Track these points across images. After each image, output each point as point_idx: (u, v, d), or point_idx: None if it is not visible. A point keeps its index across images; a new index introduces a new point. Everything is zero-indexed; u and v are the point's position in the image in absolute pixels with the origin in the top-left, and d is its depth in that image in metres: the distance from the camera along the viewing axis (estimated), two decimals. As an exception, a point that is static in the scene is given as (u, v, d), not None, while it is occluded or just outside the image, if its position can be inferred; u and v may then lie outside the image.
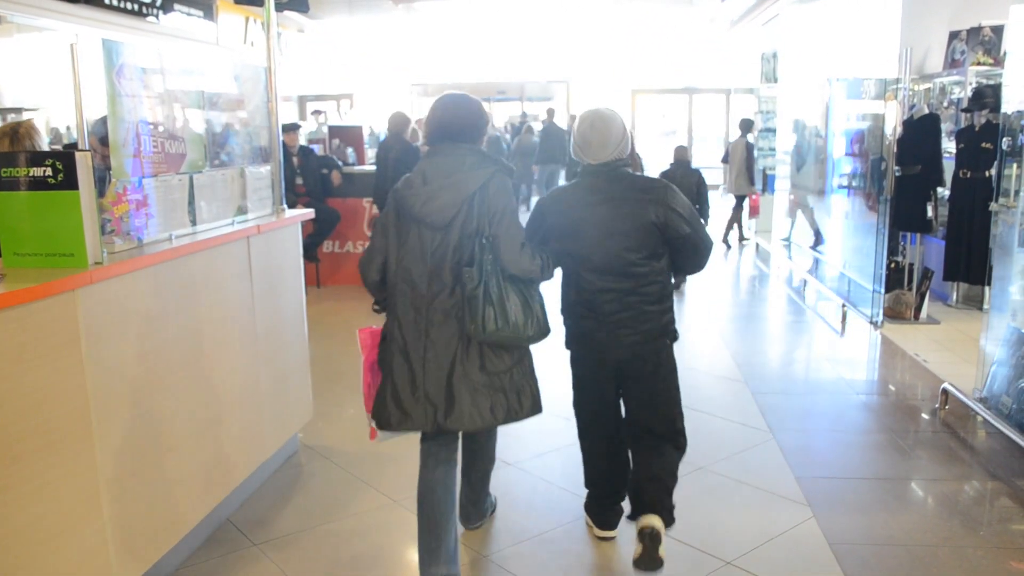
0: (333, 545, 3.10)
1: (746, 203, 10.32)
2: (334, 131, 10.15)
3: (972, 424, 4.23)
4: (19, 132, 3.39)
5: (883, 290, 6.15)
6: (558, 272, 2.87)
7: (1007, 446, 3.90)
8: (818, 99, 7.92)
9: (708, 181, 7.98)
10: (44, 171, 2.36)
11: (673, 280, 2.95)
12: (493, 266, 2.59)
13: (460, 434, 2.89)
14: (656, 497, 2.80)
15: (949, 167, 6.55)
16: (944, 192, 6.66)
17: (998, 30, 6.94)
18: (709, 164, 19.11)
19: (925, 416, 4.39)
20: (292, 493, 3.55)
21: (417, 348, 2.63)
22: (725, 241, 10.37)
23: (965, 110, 6.49)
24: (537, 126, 14.00)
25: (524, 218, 2.84)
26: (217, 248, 3.11)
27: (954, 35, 7.43)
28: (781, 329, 6.59)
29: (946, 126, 7.05)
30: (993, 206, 4.35)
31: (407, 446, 4.01)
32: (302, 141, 8.99)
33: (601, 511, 3.09)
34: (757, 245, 10.19)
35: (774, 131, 10.39)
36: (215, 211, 3.21)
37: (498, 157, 2.74)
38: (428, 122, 2.75)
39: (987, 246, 4.47)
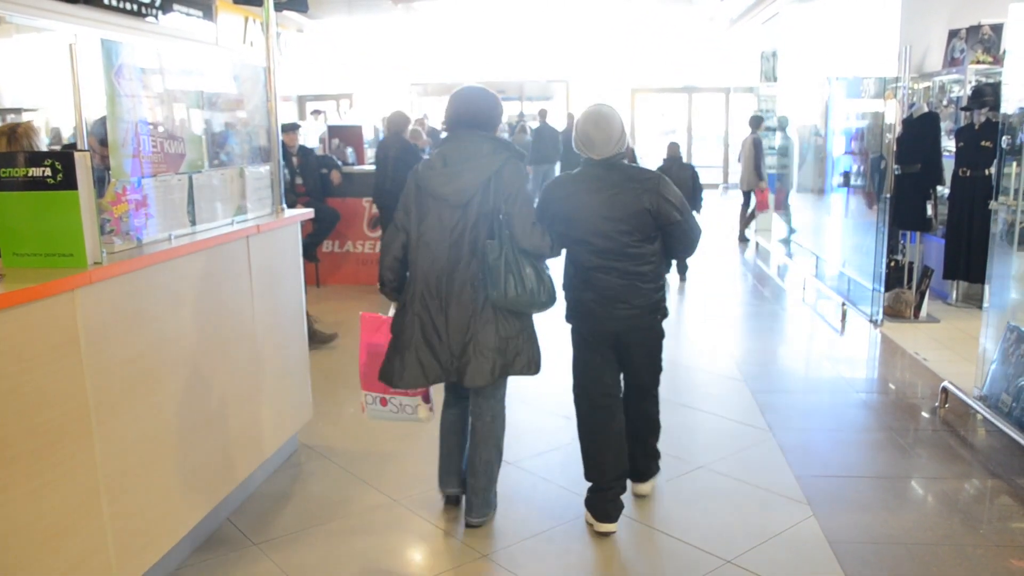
0: (333, 544, 3.10)
1: (753, 199, 10.36)
2: (333, 131, 10.14)
3: (972, 422, 4.23)
4: (17, 132, 3.38)
5: (883, 289, 6.15)
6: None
7: (1007, 444, 3.90)
8: (818, 98, 7.92)
9: (708, 180, 8.03)
10: (43, 171, 2.36)
11: (678, 272, 3.24)
12: (509, 241, 2.89)
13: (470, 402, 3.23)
14: (645, 464, 3.36)
15: (949, 166, 6.55)
16: (944, 191, 6.66)
17: (997, 28, 6.94)
18: (709, 163, 19.21)
19: (925, 414, 4.39)
20: (292, 493, 3.55)
21: (439, 314, 2.96)
22: (742, 238, 10.57)
23: (965, 108, 6.49)
24: (534, 125, 14.00)
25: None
26: (216, 248, 3.11)
27: (953, 33, 7.43)
28: (781, 328, 6.59)
29: (946, 124, 7.05)
30: (993, 204, 4.35)
31: (407, 446, 4.02)
32: (311, 142, 8.99)
33: (602, 503, 3.13)
34: (757, 244, 10.19)
35: (774, 130, 10.38)
36: (214, 211, 3.21)
37: (511, 143, 3.05)
38: (448, 110, 3.04)
39: (987, 244, 4.46)
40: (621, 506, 3.15)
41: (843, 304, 6.46)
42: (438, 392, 3.39)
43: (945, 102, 7.62)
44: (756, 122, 10.34)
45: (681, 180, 7.43)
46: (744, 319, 6.87)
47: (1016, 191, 4.16)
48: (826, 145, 7.61)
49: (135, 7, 8.49)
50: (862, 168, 6.68)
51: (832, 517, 3.23)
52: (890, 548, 3.00)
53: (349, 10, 14.63)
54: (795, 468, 3.68)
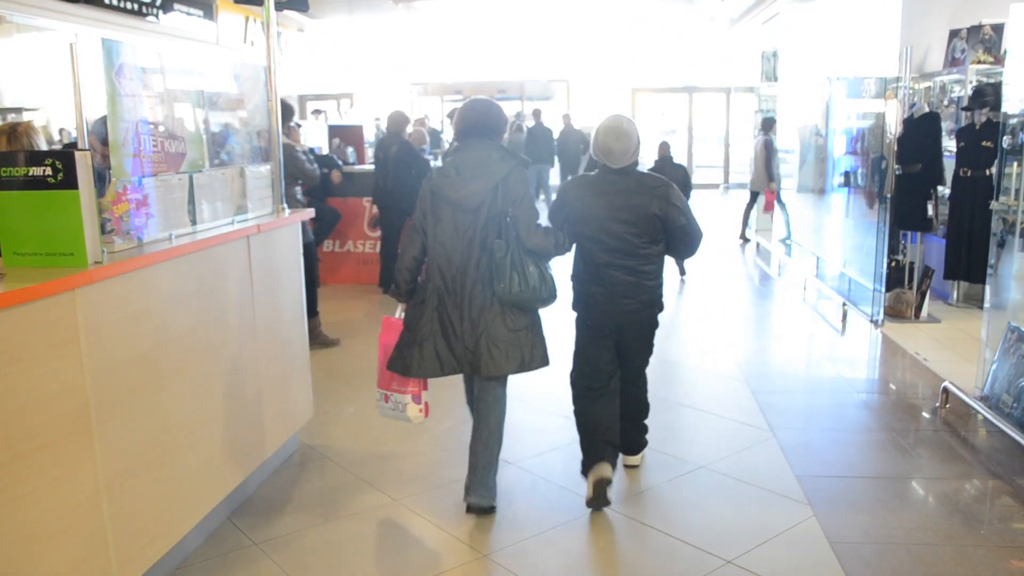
0: (333, 544, 3.10)
1: (761, 198, 10.37)
2: (334, 130, 10.14)
3: (973, 423, 4.23)
4: (17, 131, 3.39)
5: (884, 289, 6.15)
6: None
7: (1008, 444, 3.89)
8: (818, 98, 7.92)
9: (709, 180, 8.02)
10: (44, 170, 2.35)
11: (678, 267, 3.38)
12: (515, 241, 3.15)
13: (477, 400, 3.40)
14: (636, 439, 3.66)
15: (949, 166, 6.54)
16: (944, 191, 6.66)
17: (998, 28, 6.93)
18: (710, 163, 19.21)
19: (926, 415, 4.39)
20: (292, 492, 3.55)
21: (454, 310, 3.19)
22: (743, 237, 10.65)
23: (965, 108, 6.49)
24: (531, 124, 14.01)
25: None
26: (217, 247, 3.11)
27: (954, 33, 7.43)
28: (781, 328, 6.59)
29: (946, 125, 7.05)
30: (993, 204, 4.35)
31: (408, 446, 4.02)
32: (313, 142, 8.98)
33: (598, 460, 3.34)
34: (758, 244, 10.19)
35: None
36: (215, 210, 3.21)
37: (516, 152, 3.30)
38: (458, 121, 3.32)
39: (987, 245, 4.46)
40: (609, 482, 3.31)
41: (844, 304, 6.46)
42: (436, 395, 3.51)
43: (946, 102, 7.61)
44: (768, 124, 10.36)
45: (673, 180, 7.47)
46: (745, 319, 6.87)
47: (1017, 191, 4.16)
48: (827, 145, 7.60)
49: (136, 6, 8.49)
50: (863, 168, 6.67)
51: (833, 517, 3.23)
52: (891, 548, 3.00)
53: (350, 10, 14.63)
54: (796, 468, 3.68)
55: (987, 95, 6.07)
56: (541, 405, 4.47)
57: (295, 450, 3.96)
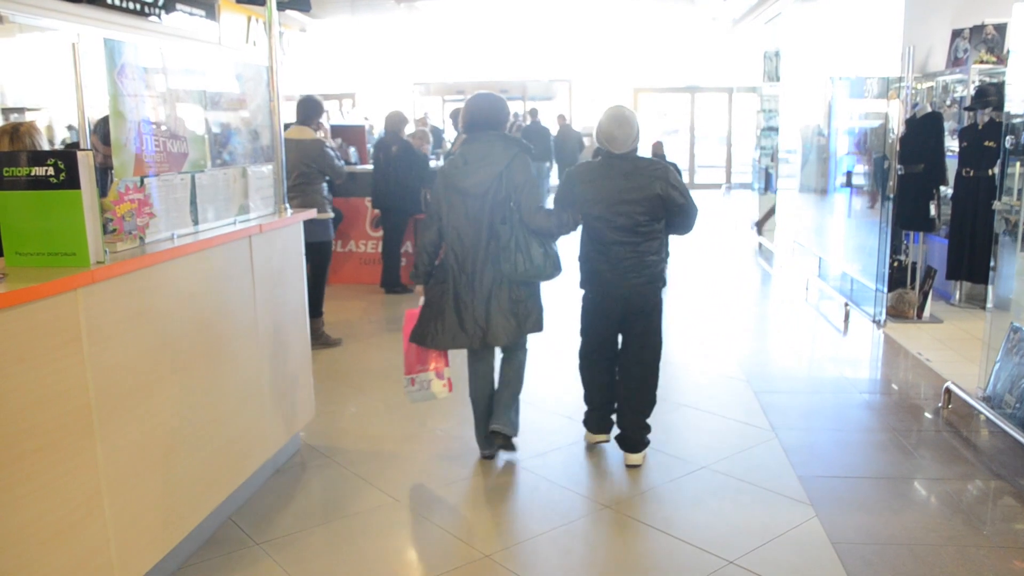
0: (335, 545, 3.10)
1: None
2: (336, 130, 10.13)
3: (975, 423, 4.23)
4: (19, 131, 3.39)
5: (886, 289, 6.14)
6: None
7: (1010, 445, 3.89)
8: (821, 98, 7.91)
9: (710, 180, 8.00)
10: (46, 170, 2.36)
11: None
12: (519, 224, 3.45)
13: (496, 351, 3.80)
14: (638, 437, 3.73)
15: (952, 166, 6.53)
16: (947, 191, 6.65)
17: (1001, 28, 6.92)
18: (712, 163, 19.20)
19: (928, 415, 4.38)
20: (294, 492, 3.55)
21: (466, 288, 3.51)
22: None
23: (968, 108, 6.47)
24: (528, 123, 14.03)
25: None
26: (219, 247, 3.11)
27: (957, 33, 7.41)
28: (783, 328, 6.58)
29: (949, 124, 7.03)
30: (996, 205, 4.34)
31: (410, 446, 4.02)
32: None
33: (596, 420, 3.90)
34: (760, 244, 10.18)
35: (776, 130, 10.37)
36: (217, 210, 3.21)
37: (520, 139, 3.61)
38: (464, 115, 3.62)
39: (990, 245, 4.45)
40: (611, 423, 3.86)
41: (846, 304, 6.45)
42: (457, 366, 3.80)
43: (948, 102, 7.60)
44: None
45: None
46: (747, 319, 6.87)
47: (1020, 191, 4.15)
48: (829, 145, 7.60)
49: (138, 7, 8.50)
50: (865, 168, 6.66)
51: (835, 518, 3.23)
52: (893, 549, 3.00)
53: (352, 10, 14.65)
54: (798, 469, 3.67)
55: (990, 95, 6.05)
56: (542, 405, 4.47)
57: (297, 450, 3.96)
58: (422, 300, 3.66)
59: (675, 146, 18.90)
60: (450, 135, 11.88)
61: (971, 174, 6.18)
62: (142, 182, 2.75)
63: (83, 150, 2.45)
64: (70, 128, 8.24)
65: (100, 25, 7.73)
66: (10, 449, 2.09)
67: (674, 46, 17.79)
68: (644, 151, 3.82)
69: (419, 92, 18.61)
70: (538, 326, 3.62)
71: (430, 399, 3.71)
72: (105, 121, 3.24)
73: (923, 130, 6.35)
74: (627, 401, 3.74)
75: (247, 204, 3.46)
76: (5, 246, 2.44)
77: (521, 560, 2.97)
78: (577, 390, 3.98)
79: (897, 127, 6.11)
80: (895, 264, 6.40)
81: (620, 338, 3.80)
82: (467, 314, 3.51)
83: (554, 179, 14.74)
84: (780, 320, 6.82)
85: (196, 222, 3.06)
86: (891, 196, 6.02)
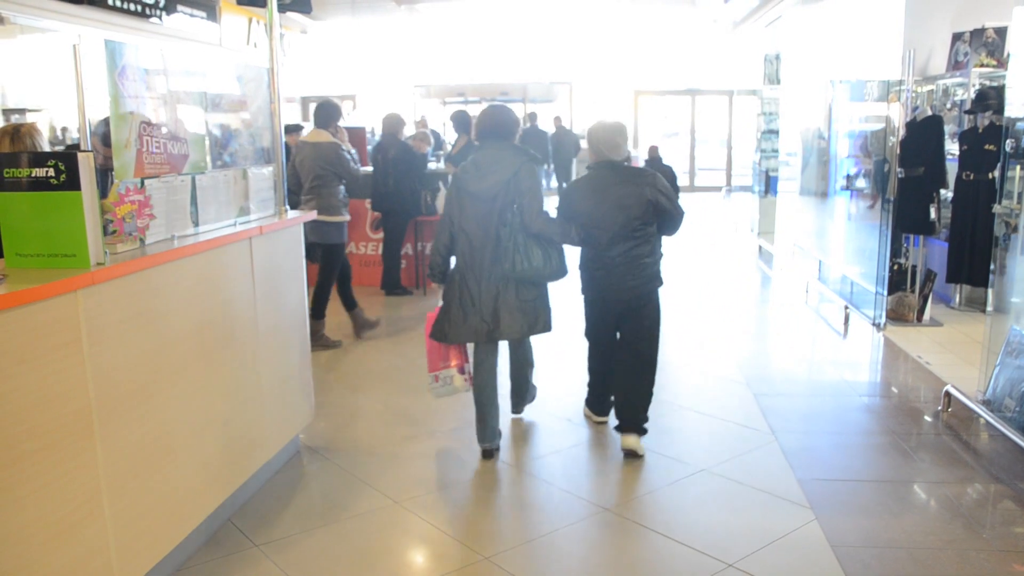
0: (334, 546, 3.10)
1: None
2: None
3: (975, 427, 4.22)
4: (20, 132, 3.39)
5: (886, 292, 6.14)
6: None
7: (1010, 449, 3.89)
8: (821, 101, 7.91)
9: (711, 183, 8.01)
10: (46, 172, 2.36)
11: None
12: (520, 227, 3.67)
13: (504, 344, 4.06)
14: (635, 418, 3.88)
15: (952, 169, 6.53)
16: (947, 194, 6.65)
17: (1001, 32, 6.93)
18: (712, 166, 19.20)
19: (928, 418, 4.38)
20: (293, 494, 3.55)
21: (474, 285, 3.72)
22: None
23: (968, 112, 6.48)
24: (527, 126, 14.06)
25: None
26: (219, 249, 3.11)
27: (957, 36, 7.42)
28: (783, 331, 6.58)
29: (949, 128, 7.03)
30: (996, 208, 4.34)
31: (409, 448, 4.02)
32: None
33: (598, 403, 4.24)
34: (760, 247, 10.18)
35: (776, 133, 10.37)
36: (217, 212, 3.21)
37: (528, 149, 3.82)
38: (478, 124, 3.92)
39: (990, 248, 4.45)
40: (610, 406, 4.10)
41: (846, 307, 6.45)
42: (437, 399, 3.86)
43: (949, 105, 7.60)
44: None
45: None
46: (746, 322, 6.86)
47: (1020, 195, 4.15)
48: (829, 148, 7.60)
49: (139, 8, 8.51)
50: (865, 171, 6.66)
51: (834, 521, 3.22)
52: (892, 552, 3.00)
53: (353, 12, 14.66)
54: (797, 472, 3.67)
55: (990, 98, 6.06)
56: (542, 408, 4.47)
57: (296, 452, 3.96)
58: (441, 296, 3.87)
59: (675, 149, 18.92)
60: (450, 137, 11.87)
61: (971, 177, 6.19)
62: (142, 183, 2.75)
63: (84, 151, 2.45)
64: (64, 130, 8.24)
65: (101, 26, 7.73)
66: (10, 450, 2.09)
67: (675, 49, 17.81)
68: (641, 153, 3.95)
69: (419, 94, 18.61)
70: (547, 327, 3.84)
71: (453, 393, 3.97)
72: (106, 122, 3.24)
73: (923, 133, 6.36)
74: (626, 392, 3.88)
75: (247, 206, 3.46)
76: (5, 247, 2.44)
77: (520, 562, 2.97)
78: (578, 392, 3.98)
79: (898, 130, 6.12)
80: (895, 267, 6.40)
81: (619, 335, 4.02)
82: (474, 310, 3.71)
83: (552, 180, 14.77)
84: (780, 323, 6.82)
85: (196, 224, 3.06)
86: (891, 199, 6.02)
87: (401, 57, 17.89)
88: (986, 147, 6.01)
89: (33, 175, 2.37)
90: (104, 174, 3.09)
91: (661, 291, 3.91)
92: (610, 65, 18.22)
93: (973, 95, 6.59)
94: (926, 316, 6.27)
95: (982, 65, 6.96)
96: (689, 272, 8.69)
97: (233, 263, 3.24)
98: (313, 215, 4.11)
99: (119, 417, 2.50)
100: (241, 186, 3.41)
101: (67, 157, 2.36)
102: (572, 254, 3.86)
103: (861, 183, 6.83)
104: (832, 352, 5.90)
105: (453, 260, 3.87)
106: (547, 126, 14.83)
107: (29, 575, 2.17)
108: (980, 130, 6.15)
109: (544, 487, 3.59)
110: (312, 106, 6.26)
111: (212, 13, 10.04)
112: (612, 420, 4.05)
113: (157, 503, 2.72)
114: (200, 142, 3.12)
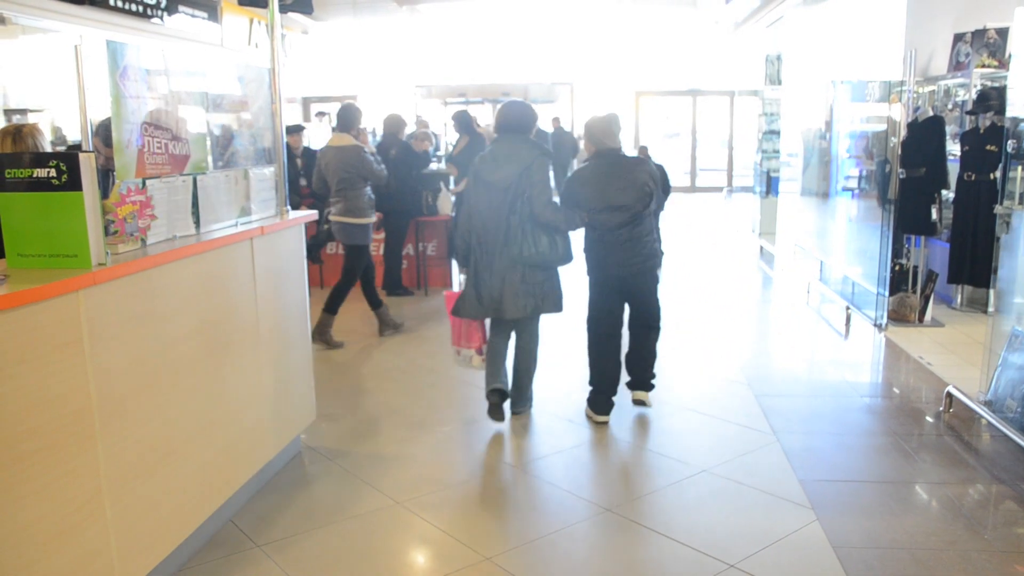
0: (335, 546, 3.10)
1: None
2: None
3: (977, 427, 4.22)
4: (22, 132, 3.39)
5: (887, 293, 6.13)
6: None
7: (1012, 449, 3.88)
8: (822, 102, 7.91)
9: (712, 183, 7.99)
10: (48, 172, 2.36)
11: None
12: (529, 215, 3.98)
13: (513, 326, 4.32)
14: (643, 375, 4.39)
15: (953, 169, 6.53)
16: (949, 195, 6.64)
17: (1003, 32, 6.92)
18: (713, 166, 19.18)
19: (929, 419, 4.37)
20: (294, 494, 3.55)
21: (485, 267, 4.06)
22: None
23: (970, 112, 6.47)
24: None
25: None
26: (221, 249, 3.11)
27: (959, 37, 7.41)
28: (785, 331, 6.57)
29: (951, 128, 7.03)
30: (998, 208, 4.34)
31: (410, 448, 4.02)
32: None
33: (599, 402, 4.30)
34: (761, 247, 10.17)
35: (778, 133, 10.36)
36: (219, 212, 3.21)
37: (541, 144, 4.12)
38: (497, 118, 4.22)
39: (992, 249, 4.45)
40: (612, 404, 4.31)
41: (847, 308, 6.45)
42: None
43: (950, 106, 7.60)
44: None
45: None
46: (748, 322, 6.86)
47: (1021, 195, 4.15)
48: (831, 149, 7.59)
49: (140, 8, 8.51)
50: (867, 172, 6.66)
51: (836, 522, 3.22)
52: (894, 553, 2.99)
53: (354, 12, 14.66)
54: (799, 472, 3.67)
55: (991, 99, 6.06)
56: (544, 408, 4.47)
57: (298, 452, 3.96)
58: (461, 281, 4.29)
59: (677, 149, 18.93)
60: (451, 138, 11.87)
61: (973, 178, 6.18)
62: (144, 184, 2.75)
63: (85, 152, 2.45)
64: (59, 129, 8.24)
65: (102, 27, 7.74)
66: (11, 450, 2.09)
67: (676, 49, 17.80)
68: (632, 154, 4.35)
69: (421, 95, 18.61)
70: (557, 307, 4.14)
71: (470, 368, 4.42)
72: (107, 123, 3.24)
73: (925, 134, 6.35)
74: (636, 351, 4.38)
75: (249, 206, 3.46)
76: (7, 247, 2.44)
77: (522, 563, 2.96)
78: (578, 392, 3.97)
79: (899, 131, 6.11)
80: (896, 268, 6.39)
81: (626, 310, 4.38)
82: (484, 290, 4.07)
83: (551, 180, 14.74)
84: (781, 324, 6.81)
85: (198, 224, 3.06)
86: (893, 200, 6.01)
87: (402, 58, 17.90)
88: (987, 148, 6.01)
89: (35, 175, 2.37)
90: (105, 174, 3.10)
91: (661, 291, 4.24)
92: (611, 66, 18.21)
93: (974, 96, 6.58)
94: (927, 317, 6.27)
95: (983, 66, 6.95)
96: (690, 273, 8.69)
97: (234, 263, 3.24)
98: (313, 215, 4.11)
99: (120, 417, 2.50)
100: (242, 186, 3.41)
101: (68, 157, 2.36)
102: (577, 240, 4.12)
103: (862, 184, 6.81)
104: (833, 353, 5.89)
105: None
106: (547, 126, 14.83)
107: (30, 575, 2.17)
108: (981, 131, 6.15)
109: (546, 487, 3.59)
110: (312, 106, 6.26)
111: (213, 14, 10.04)
112: (623, 397, 4.29)
113: (158, 503, 2.72)
114: (201, 142, 3.12)
